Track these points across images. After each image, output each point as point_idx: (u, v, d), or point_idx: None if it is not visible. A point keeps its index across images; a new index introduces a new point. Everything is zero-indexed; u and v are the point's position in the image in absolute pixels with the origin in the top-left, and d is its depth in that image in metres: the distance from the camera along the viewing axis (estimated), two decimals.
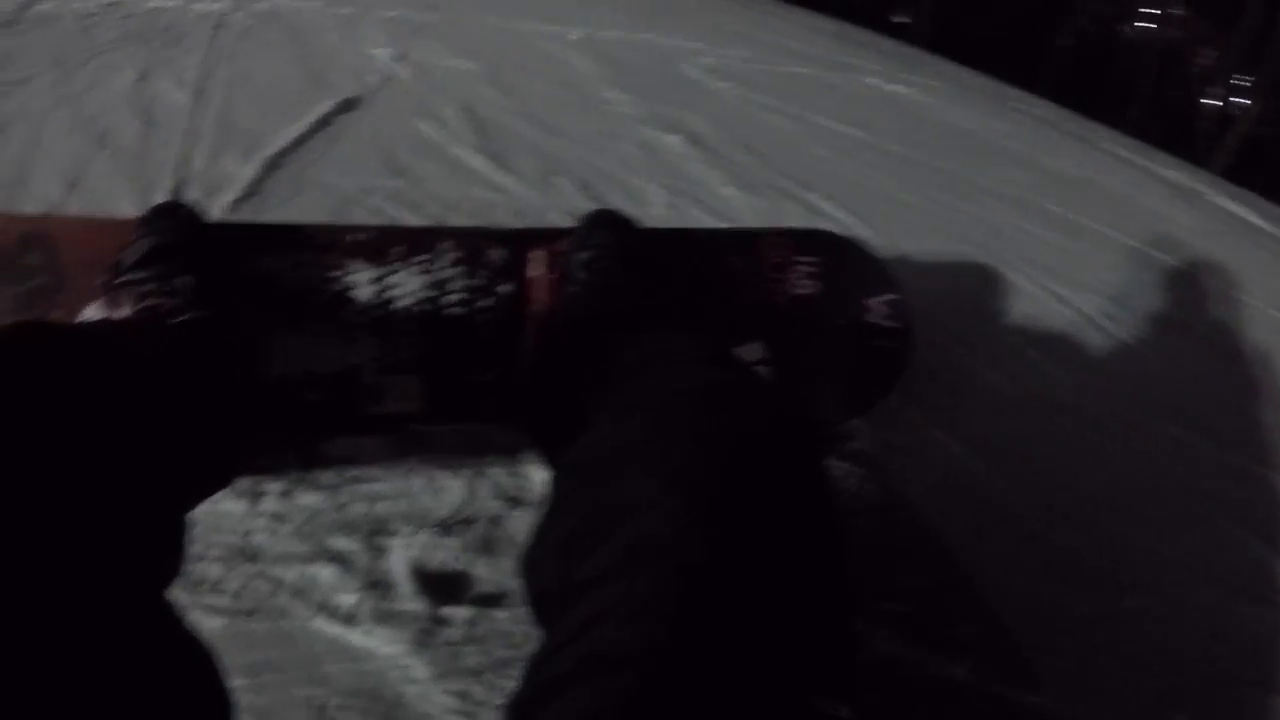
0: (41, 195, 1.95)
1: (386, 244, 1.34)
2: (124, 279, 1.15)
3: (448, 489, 1.34)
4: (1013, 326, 1.96)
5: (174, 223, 1.21)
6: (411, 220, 1.97)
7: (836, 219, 2.27)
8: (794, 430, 0.79)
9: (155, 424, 0.84)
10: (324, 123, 2.44)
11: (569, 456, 0.85)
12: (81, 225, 1.33)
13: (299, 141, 2.31)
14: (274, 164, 2.17)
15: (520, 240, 1.36)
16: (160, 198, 1.95)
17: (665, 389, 0.84)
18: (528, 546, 0.85)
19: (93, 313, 1.23)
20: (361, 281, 1.33)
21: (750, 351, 1.42)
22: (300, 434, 1.37)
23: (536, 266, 1.33)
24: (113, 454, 0.74)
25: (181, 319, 1.12)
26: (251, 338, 1.26)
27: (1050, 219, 2.58)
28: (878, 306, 1.48)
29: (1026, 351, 1.86)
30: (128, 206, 1.92)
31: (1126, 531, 1.45)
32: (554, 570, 0.76)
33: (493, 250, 1.35)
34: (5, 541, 0.60)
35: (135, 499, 0.76)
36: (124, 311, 1.15)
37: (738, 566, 0.65)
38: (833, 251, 1.47)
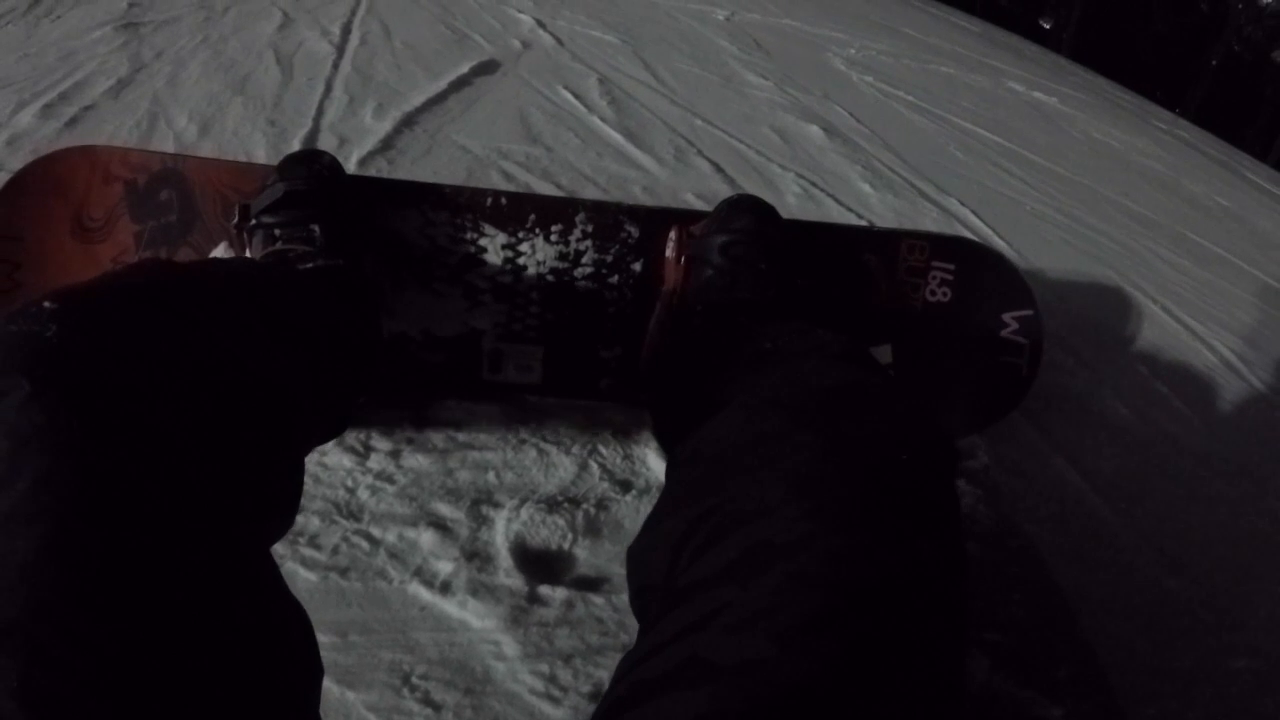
0: (175, 135, 1.97)
1: (521, 211, 1.31)
2: (255, 222, 1.15)
3: (558, 465, 1.31)
4: (1142, 356, 1.87)
5: (311, 171, 1.19)
6: (543, 189, 1.96)
7: (971, 225, 2.20)
8: (933, 444, 0.73)
9: (276, 365, 0.83)
10: (462, 83, 2.45)
11: (691, 444, 0.81)
12: (215, 166, 1.33)
13: (436, 100, 2.32)
14: (409, 121, 2.18)
15: (656, 218, 1.32)
16: (293, 146, 1.97)
17: (801, 384, 0.79)
18: (637, 536, 0.81)
19: (221, 253, 1.23)
20: (492, 246, 1.31)
21: (878, 354, 1.37)
22: (415, 393, 1.36)
23: (671, 247, 1.29)
24: (235, 392, 0.72)
25: (309, 265, 1.11)
26: (377, 291, 1.25)
27: (1188, 247, 2.48)
28: (1011, 321, 1.41)
29: (1155, 385, 1.77)
30: (260, 152, 1.94)
31: (1240, 589, 1.36)
32: (662, 564, 0.72)
33: (627, 226, 1.32)
34: (126, 482, 0.58)
35: (256, 440, 0.74)
36: (252, 254, 1.15)
37: (857, 584, 0.60)
38: (971, 260, 1.41)
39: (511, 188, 1.81)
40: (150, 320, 0.68)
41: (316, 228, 1.13)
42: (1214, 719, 1.17)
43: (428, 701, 1.00)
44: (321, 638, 0.70)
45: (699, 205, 1.81)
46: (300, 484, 0.86)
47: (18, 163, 1.32)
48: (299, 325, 0.94)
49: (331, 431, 1.07)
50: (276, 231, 1.13)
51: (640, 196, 1.99)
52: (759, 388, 0.81)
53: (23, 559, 0.52)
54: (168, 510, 0.59)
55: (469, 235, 1.30)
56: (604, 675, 1.05)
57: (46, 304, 0.63)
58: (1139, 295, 2.08)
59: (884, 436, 0.71)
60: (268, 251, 1.12)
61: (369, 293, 1.20)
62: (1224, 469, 1.59)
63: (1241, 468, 1.60)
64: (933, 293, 1.39)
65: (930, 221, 2.17)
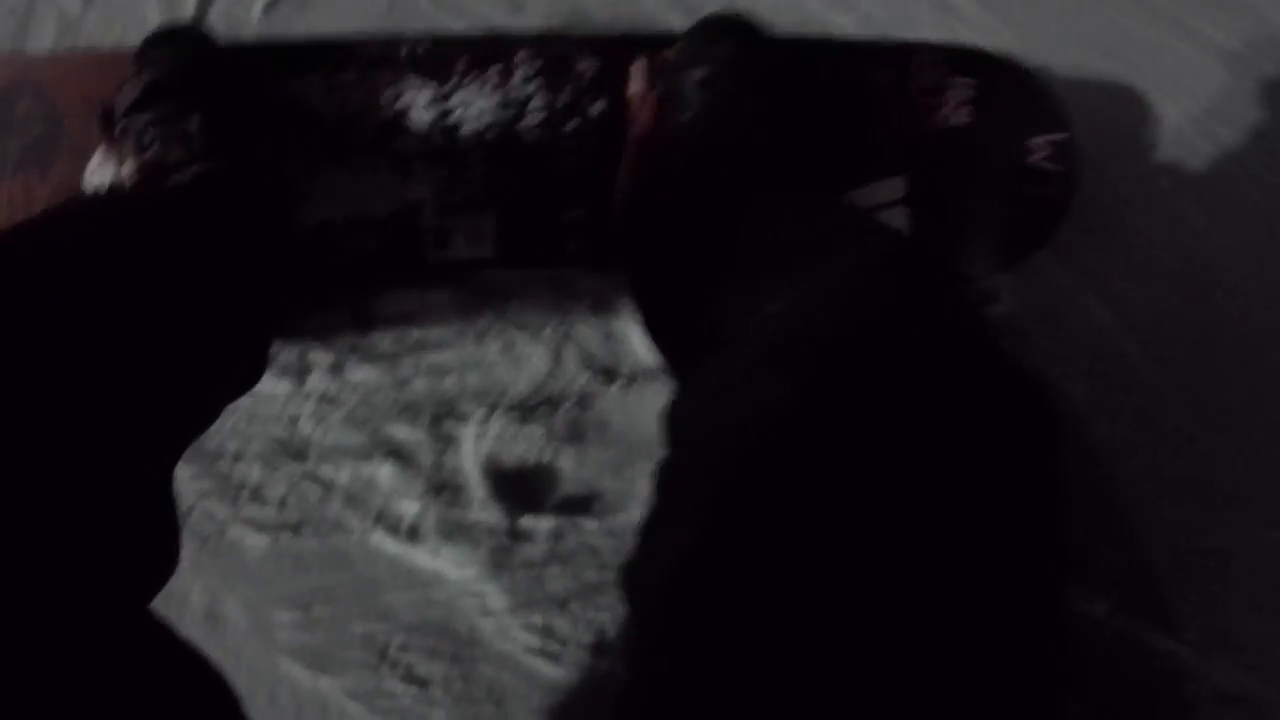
0: (57, 13, 1.75)
1: (448, 56, 1.12)
2: (122, 125, 0.97)
3: (528, 357, 1.15)
4: (1163, 168, 1.70)
5: (176, 50, 1.00)
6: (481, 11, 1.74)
7: (970, 17, 2.00)
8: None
9: (159, 325, 0.70)
10: None
11: (683, 427, 0.67)
12: (75, 63, 1.16)
13: None
14: None
15: (617, 48, 1.13)
16: (190, 6, 1.76)
17: (813, 334, 0.63)
18: (633, 549, 0.64)
19: (95, 168, 1.05)
20: (418, 103, 1.13)
21: (891, 188, 1.22)
22: (352, 290, 1.20)
23: (637, 81, 1.10)
24: (100, 384, 0.60)
25: (190, 173, 0.94)
26: (282, 183, 1.08)
27: (1202, 41, 2.30)
28: (1041, 146, 1.26)
29: (1178, 202, 1.62)
30: (156, 18, 1.70)
31: (1276, 451, 1.24)
32: (664, 590, 0.60)
33: (582, 60, 1.13)
34: None
35: (125, 466, 0.60)
36: (127, 166, 0.97)
37: None
38: (995, 76, 1.25)
39: (443, 14, 1.60)
40: None
41: (193, 121, 0.95)
42: (1255, 600, 1.10)
43: (411, 678, 0.93)
44: (282, 616, 0.70)
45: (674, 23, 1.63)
46: (174, 513, 0.69)
47: None
48: (181, 264, 0.80)
49: (246, 379, 0.93)
50: (147, 135, 0.95)
51: (600, 17, 1.79)
52: (763, 325, 0.67)
53: None
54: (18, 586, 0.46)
55: (387, 94, 1.13)
56: (606, 619, 0.97)
57: None
58: (1155, 96, 1.91)
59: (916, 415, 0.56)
60: (139, 164, 0.95)
61: (266, 195, 1.03)
62: (1256, 296, 1.46)
63: (1274, 295, 1.47)
64: (951, 115, 1.24)
65: (924, 11, 1.97)
